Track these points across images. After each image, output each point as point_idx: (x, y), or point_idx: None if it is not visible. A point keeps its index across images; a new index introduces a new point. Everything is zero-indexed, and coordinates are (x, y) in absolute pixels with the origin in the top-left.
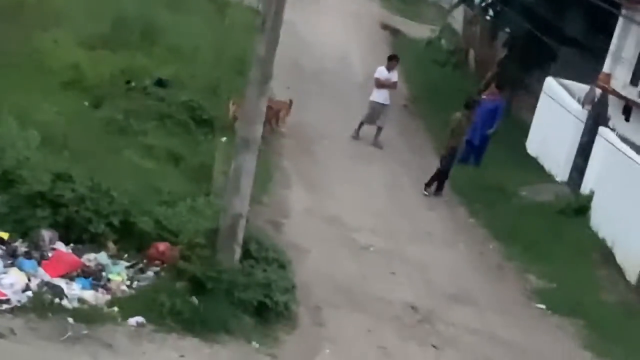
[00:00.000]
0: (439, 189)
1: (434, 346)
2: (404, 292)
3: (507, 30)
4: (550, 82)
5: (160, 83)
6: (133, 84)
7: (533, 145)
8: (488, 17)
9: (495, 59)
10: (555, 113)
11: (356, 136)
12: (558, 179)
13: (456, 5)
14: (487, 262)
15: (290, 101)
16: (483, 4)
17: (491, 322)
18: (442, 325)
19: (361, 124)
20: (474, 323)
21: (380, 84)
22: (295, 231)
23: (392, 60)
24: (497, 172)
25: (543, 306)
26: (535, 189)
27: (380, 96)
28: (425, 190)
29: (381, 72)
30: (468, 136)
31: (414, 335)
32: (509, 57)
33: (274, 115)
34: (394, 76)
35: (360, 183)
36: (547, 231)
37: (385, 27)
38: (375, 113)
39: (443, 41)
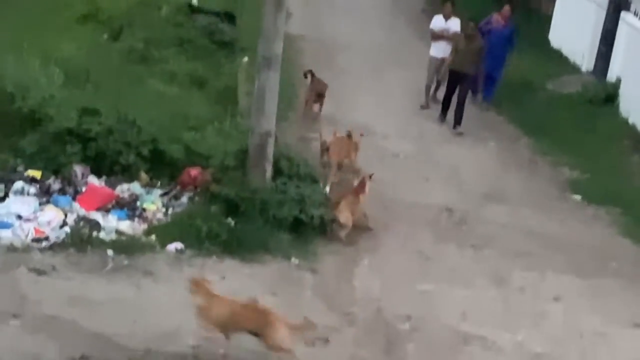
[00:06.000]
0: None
1: (472, 246)
2: (438, 196)
3: None
4: None
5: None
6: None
7: (556, 37)
8: None
9: None
10: (576, 2)
11: (425, 105)
12: (583, 69)
13: None
14: (519, 158)
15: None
16: None
17: (527, 217)
18: (479, 224)
19: (427, 88)
20: (511, 220)
21: (436, 36)
22: None
23: (447, 6)
24: (522, 67)
25: (578, 197)
26: (562, 81)
27: (437, 50)
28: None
29: (436, 22)
30: (488, 68)
31: (452, 237)
32: None
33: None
34: (453, 25)
35: (383, 90)
36: (577, 122)
37: None
38: (434, 69)
39: None
